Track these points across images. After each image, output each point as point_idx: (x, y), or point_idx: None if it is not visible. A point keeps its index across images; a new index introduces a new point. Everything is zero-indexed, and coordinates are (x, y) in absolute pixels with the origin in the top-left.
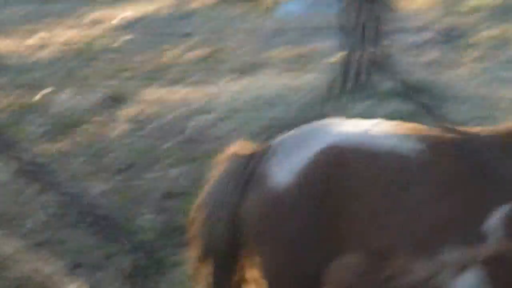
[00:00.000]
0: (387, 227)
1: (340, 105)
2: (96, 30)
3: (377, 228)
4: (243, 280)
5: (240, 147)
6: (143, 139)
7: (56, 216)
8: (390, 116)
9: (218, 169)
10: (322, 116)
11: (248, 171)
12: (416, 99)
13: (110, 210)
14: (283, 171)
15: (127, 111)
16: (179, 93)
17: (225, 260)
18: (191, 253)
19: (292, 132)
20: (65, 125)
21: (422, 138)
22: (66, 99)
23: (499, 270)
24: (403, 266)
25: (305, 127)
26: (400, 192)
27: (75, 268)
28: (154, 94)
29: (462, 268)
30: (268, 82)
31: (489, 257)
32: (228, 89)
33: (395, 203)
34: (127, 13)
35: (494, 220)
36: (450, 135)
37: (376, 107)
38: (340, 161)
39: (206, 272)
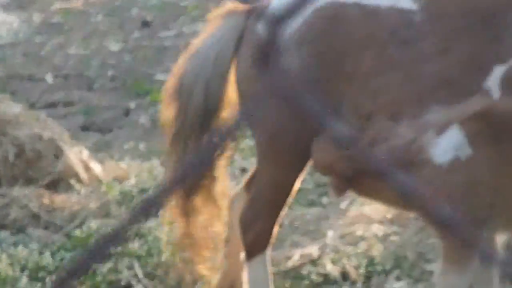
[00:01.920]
0: (382, 88)
1: None
2: None
3: (371, 90)
4: None
5: (237, 4)
6: None
7: (71, 76)
8: None
9: (212, 24)
10: None
11: (243, 29)
12: None
13: (127, 67)
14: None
15: None
16: None
17: (198, 123)
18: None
19: None
20: None
21: None
22: None
23: (477, 129)
24: (386, 130)
25: None
26: (399, 49)
27: (85, 129)
28: None
29: (444, 127)
30: None
31: (470, 116)
32: None
33: (393, 62)
34: None
35: (493, 78)
36: None
37: None
38: (339, 17)
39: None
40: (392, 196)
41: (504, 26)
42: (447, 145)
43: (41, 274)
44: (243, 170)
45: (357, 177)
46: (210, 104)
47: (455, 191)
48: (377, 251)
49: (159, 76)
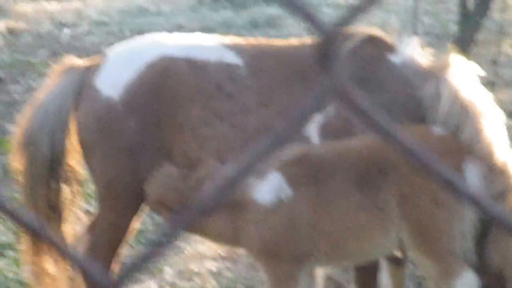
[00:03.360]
0: (209, 136)
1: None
2: None
3: (199, 138)
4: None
5: (77, 60)
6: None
7: None
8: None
9: (53, 79)
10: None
11: (82, 83)
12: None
13: None
14: (113, 84)
15: None
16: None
17: (46, 171)
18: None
19: (124, 44)
20: None
21: (248, 49)
22: None
23: (296, 172)
24: (210, 171)
25: (137, 40)
26: (225, 102)
27: None
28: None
29: (265, 171)
30: None
31: (289, 160)
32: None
33: (219, 113)
34: None
35: (312, 126)
36: (274, 45)
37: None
38: (170, 71)
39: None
40: (217, 233)
41: (317, 78)
42: (269, 187)
43: None
44: (87, 212)
45: None
46: (55, 153)
47: (279, 228)
48: (211, 285)
49: (10, 128)
